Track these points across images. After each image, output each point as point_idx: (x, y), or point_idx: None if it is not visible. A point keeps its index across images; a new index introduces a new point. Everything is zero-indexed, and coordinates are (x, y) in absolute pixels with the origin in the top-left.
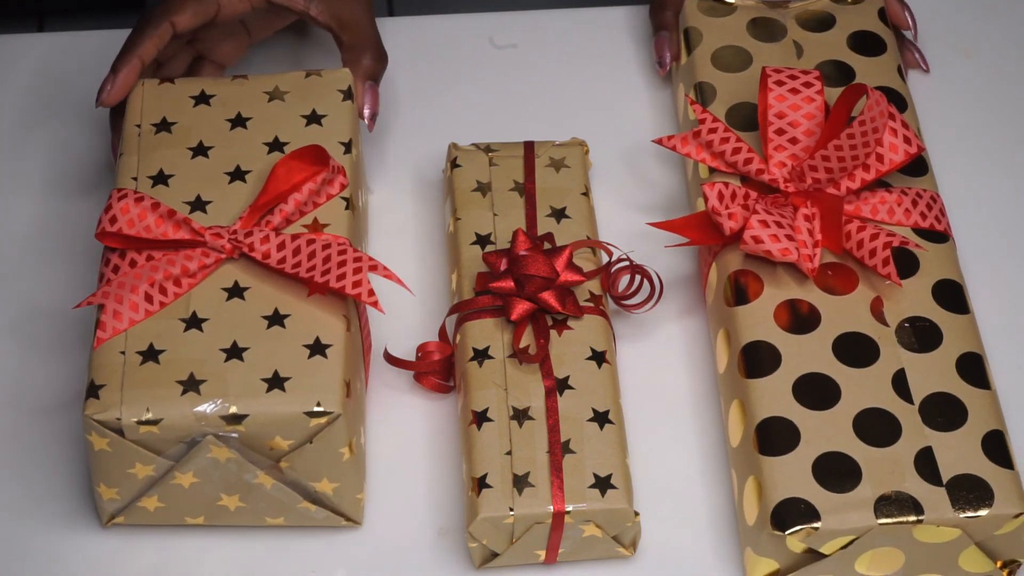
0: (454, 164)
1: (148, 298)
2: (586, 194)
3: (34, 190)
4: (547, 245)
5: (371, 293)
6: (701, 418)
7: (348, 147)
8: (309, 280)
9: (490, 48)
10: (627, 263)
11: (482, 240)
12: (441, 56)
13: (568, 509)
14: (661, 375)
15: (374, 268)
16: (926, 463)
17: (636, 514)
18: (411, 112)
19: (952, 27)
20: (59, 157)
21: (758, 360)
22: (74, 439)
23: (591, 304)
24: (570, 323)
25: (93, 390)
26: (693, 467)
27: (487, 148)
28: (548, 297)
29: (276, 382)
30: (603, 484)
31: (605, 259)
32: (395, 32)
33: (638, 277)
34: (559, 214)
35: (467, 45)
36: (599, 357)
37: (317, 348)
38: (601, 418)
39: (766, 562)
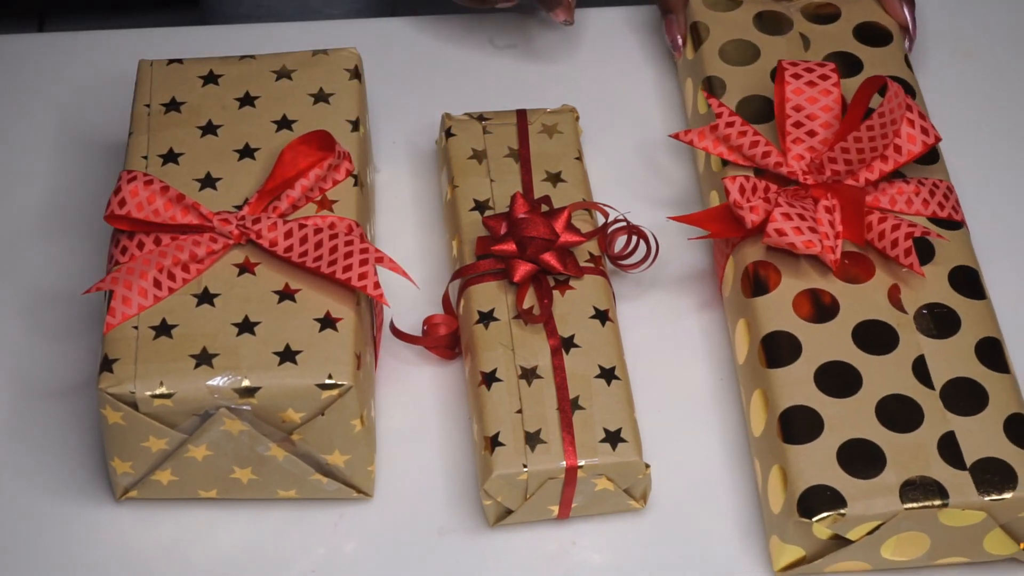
0: (448, 133)
1: (157, 284)
2: (579, 159)
3: (43, 168)
4: (545, 207)
5: (376, 286)
6: (720, 410)
7: (356, 125)
8: (316, 271)
9: (490, 48)
10: (624, 223)
11: (481, 206)
12: (442, 56)
13: (580, 464)
14: (678, 370)
15: (380, 260)
16: (949, 447)
17: (647, 466)
18: (411, 111)
19: (952, 27)
20: (62, 157)
21: (779, 349)
22: (86, 418)
23: (591, 264)
24: (571, 283)
25: (107, 364)
26: (715, 458)
27: (480, 117)
28: (549, 258)
29: (288, 355)
30: (613, 438)
31: (601, 221)
32: (396, 32)
33: (634, 237)
34: (555, 178)
35: (468, 45)
36: (602, 316)
37: (327, 322)
38: (607, 374)
39: (792, 549)
